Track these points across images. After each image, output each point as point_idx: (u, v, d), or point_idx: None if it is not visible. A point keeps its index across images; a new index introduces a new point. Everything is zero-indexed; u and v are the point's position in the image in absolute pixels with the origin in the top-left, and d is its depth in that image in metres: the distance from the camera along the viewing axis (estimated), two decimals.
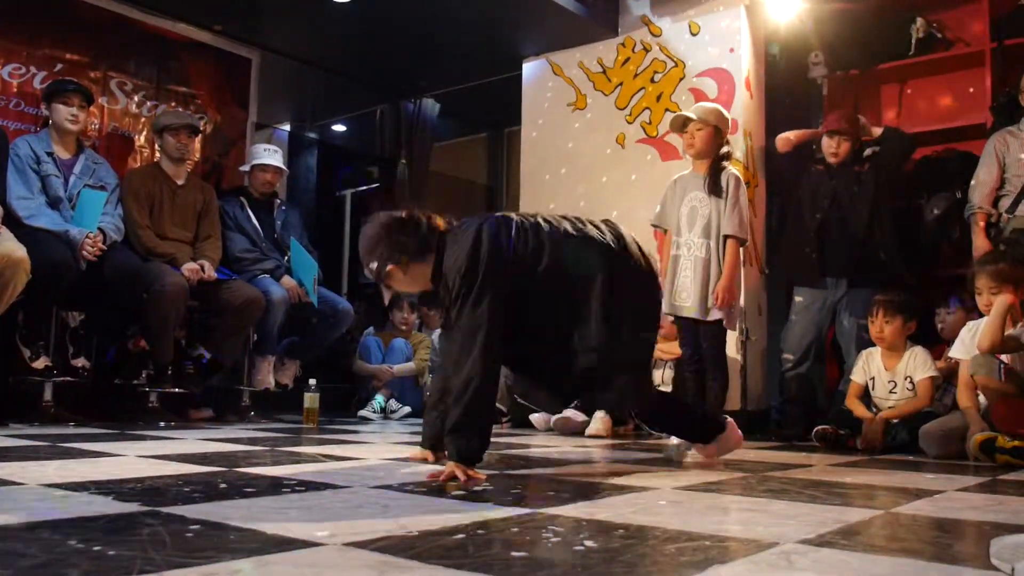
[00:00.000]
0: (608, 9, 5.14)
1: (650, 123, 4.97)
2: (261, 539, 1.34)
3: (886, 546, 1.46)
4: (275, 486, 1.97)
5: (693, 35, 4.88)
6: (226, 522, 1.47)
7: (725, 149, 3.84)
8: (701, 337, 3.80)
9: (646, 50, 5.04)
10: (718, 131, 3.80)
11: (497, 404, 4.65)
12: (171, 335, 4.23)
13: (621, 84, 5.12)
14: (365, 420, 5.03)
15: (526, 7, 4.92)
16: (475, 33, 5.25)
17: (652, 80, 5.00)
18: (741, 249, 3.82)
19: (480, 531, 1.46)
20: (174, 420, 4.19)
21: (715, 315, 3.72)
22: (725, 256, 3.72)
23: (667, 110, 4.91)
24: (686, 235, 3.81)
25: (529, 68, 5.53)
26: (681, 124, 3.87)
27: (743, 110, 4.70)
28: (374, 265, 2.49)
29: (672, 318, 3.93)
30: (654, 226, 4.05)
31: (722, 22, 4.80)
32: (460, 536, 1.41)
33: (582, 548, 1.34)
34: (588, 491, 2.03)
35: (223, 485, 1.96)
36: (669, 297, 3.79)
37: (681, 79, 4.89)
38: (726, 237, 3.73)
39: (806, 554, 1.33)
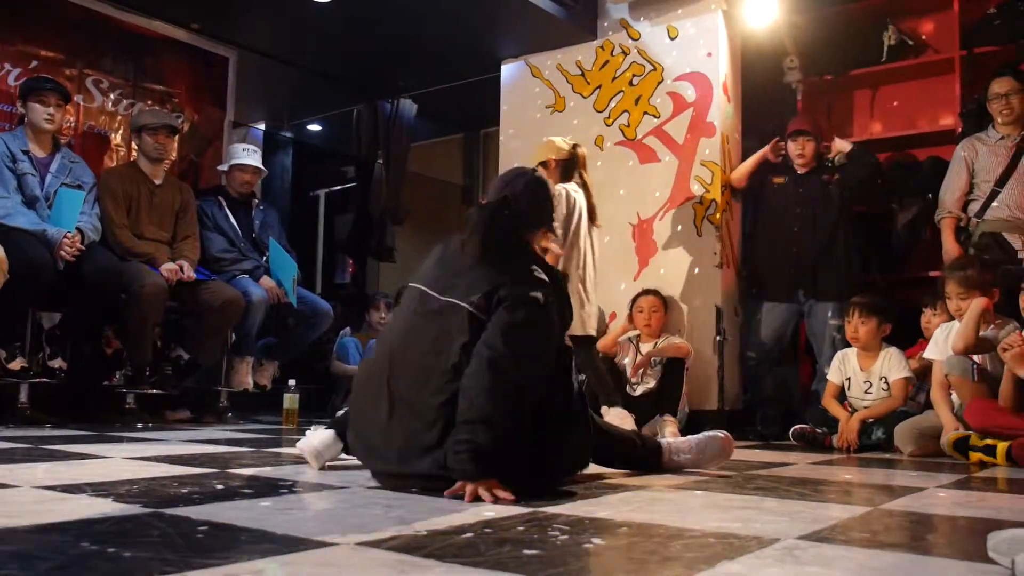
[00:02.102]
0: (587, 12, 5.16)
1: (628, 126, 5.00)
2: (273, 540, 1.34)
3: (883, 541, 1.48)
4: (272, 487, 1.98)
5: (671, 39, 4.92)
6: (233, 523, 1.47)
7: (567, 157, 4.02)
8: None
9: (625, 53, 5.08)
10: (545, 164, 4.02)
11: None
12: (149, 336, 4.20)
13: (600, 87, 5.15)
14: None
15: (505, 9, 4.92)
16: (454, 34, 5.24)
17: (631, 83, 5.04)
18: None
19: (487, 530, 1.47)
20: (151, 421, 4.16)
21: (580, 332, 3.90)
22: None
23: (645, 113, 4.95)
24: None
25: (507, 70, 5.55)
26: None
27: (720, 114, 4.75)
28: None
29: None
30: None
31: (700, 26, 4.84)
32: (469, 535, 1.42)
33: (591, 545, 1.37)
34: (582, 490, 2.05)
35: (219, 486, 1.96)
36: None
37: (659, 83, 4.93)
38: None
39: (807, 549, 1.36)
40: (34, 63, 4.65)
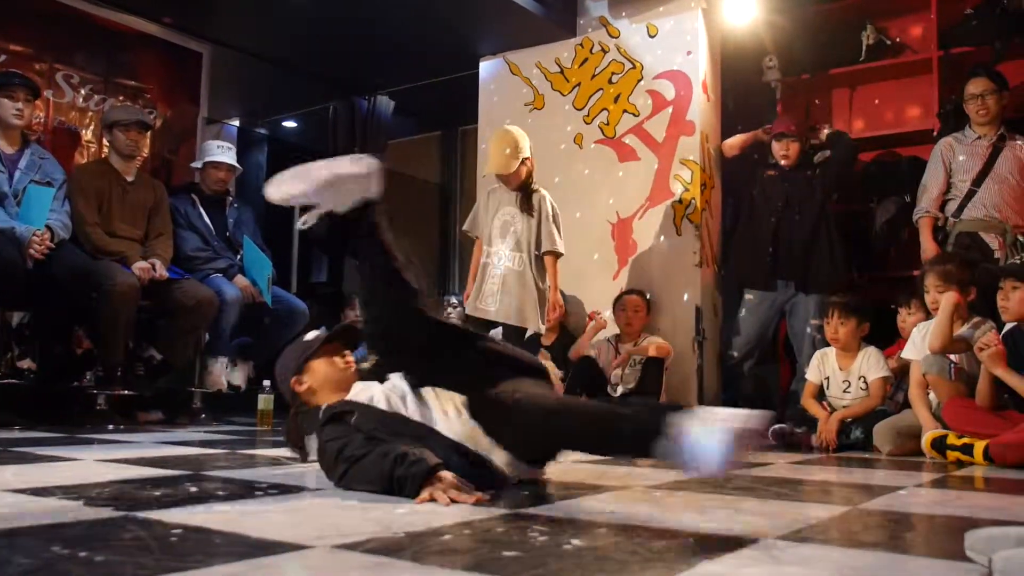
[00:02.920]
0: (566, 9, 5.14)
1: (608, 124, 4.99)
2: (248, 543, 1.33)
3: (862, 540, 1.48)
4: (248, 489, 1.95)
5: (651, 37, 4.91)
6: (207, 526, 1.45)
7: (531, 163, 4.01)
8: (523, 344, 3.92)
9: (604, 51, 5.06)
10: (523, 161, 3.99)
11: None
12: (121, 336, 4.12)
13: (579, 85, 5.13)
14: None
15: (483, 6, 4.88)
16: (432, 30, 5.20)
17: (610, 81, 5.02)
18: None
19: (466, 531, 1.46)
20: (123, 423, 4.08)
21: (533, 329, 3.89)
22: (548, 273, 3.94)
23: (625, 111, 4.94)
24: (497, 245, 3.98)
25: (486, 67, 5.51)
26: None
27: (700, 112, 4.75)
28: None
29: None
30: (464, 231, 4.23)
31: (679, 25, 4.83)
32: (447, 537, 1.40)
33: (571, 547, 1.35)
34: (561, 491, 2.03)
35: (193, 489, 1.93)
36: (474, 300, 3.97)
37: (639, 81, 4.91)
38: (546, 253, 3.93)
39: (787, 549, 1.36)
40: (2, 57, 4.56)
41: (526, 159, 3.98)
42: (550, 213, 3.97)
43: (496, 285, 3.93)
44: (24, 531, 1.39)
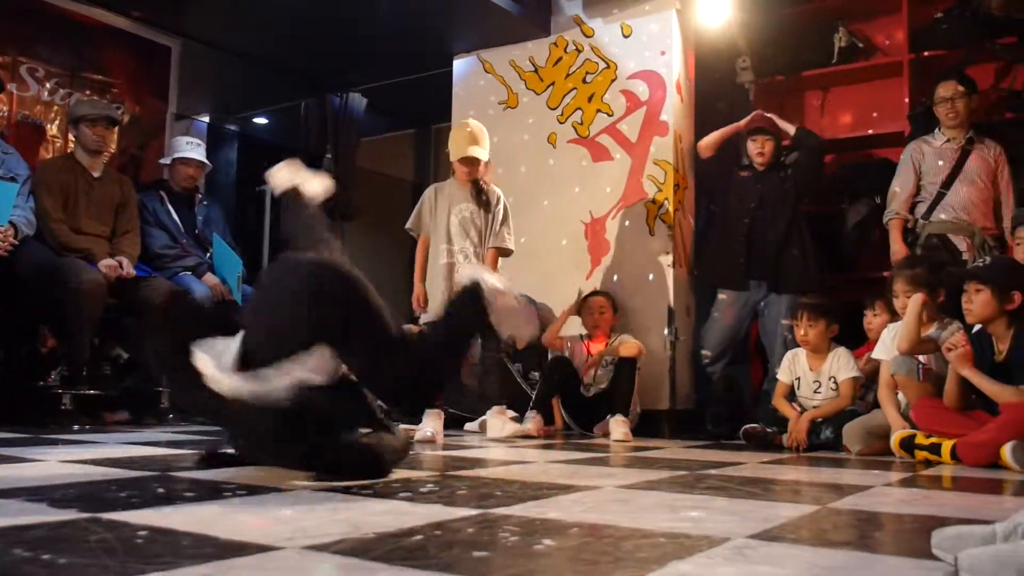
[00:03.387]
0: (540, 8, 5.12)
1: (582, 123, 4.98)
2: (216, 544, 1.30)
3: (831, 540, 1.49)
4: (215, 490, 1.91)
5: (625, 37, 4.91)
6: (174, 528, 1.43)
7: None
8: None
9: (578, 50, 5.05)
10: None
11: None
12: (87, 335, 4.06)
13: (553, 84, 5.12)
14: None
15: (457, 3, 4.86)
16: (405, 27, 5.17)
17: (584, 80, 5.01)
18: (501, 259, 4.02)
19: (436, 532, 1.45)
20: (89, 423, 4.02)
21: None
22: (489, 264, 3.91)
23: (599, 111, 4.93)
24: (460, 243, 3.94)
25: (460, 65, 5.48)
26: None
27: (673, 112, 4.75)
28: None
29: None
30: (408, 230, 4.16)
31: (654, 25, 4.83)
32: (418, 537, 1.39)
33: (542, 547, 1.35)
34: (534, 491, 2.03)
35: (161, 490, 1.91)
36: (441, 301, 3.86)
37: (613, 80, 4.91)
38: (493, 248, 3.93)
39: (757, 548, 1.36)
40: None
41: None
42: (504, 209, 3.97)
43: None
44: None
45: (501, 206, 3.98)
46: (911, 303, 3.36)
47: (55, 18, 4.87)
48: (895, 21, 5.03)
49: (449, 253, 3.95)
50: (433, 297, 3.94)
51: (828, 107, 5.33)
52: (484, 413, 4.24)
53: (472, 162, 3.95)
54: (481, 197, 3.95)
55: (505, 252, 3.99)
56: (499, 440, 3.75)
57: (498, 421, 3.92)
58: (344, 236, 6.25)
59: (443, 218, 3.99)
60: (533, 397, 4.25)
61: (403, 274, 7.29)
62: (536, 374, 4.53)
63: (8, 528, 1.41)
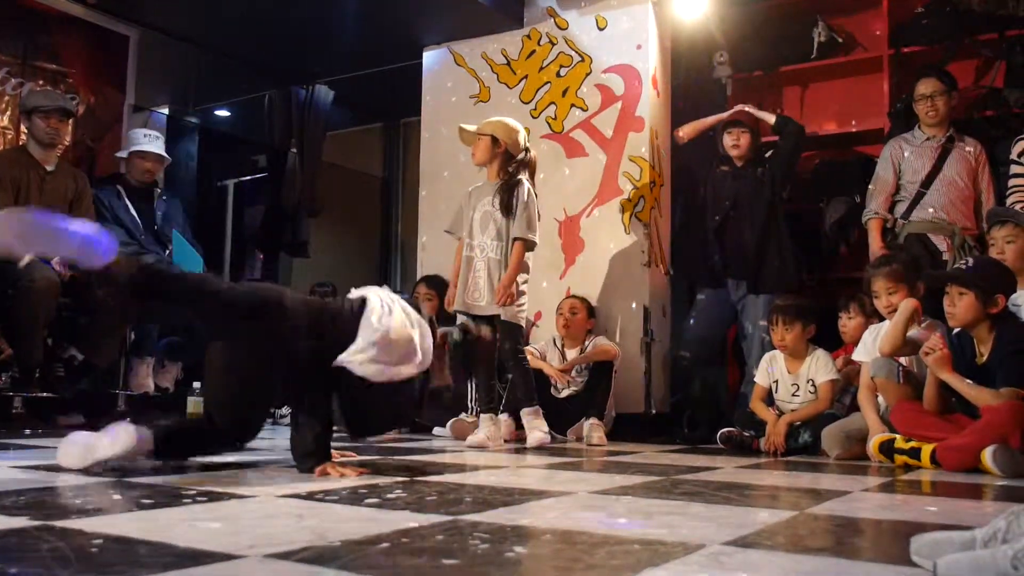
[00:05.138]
0: None
1: (555, 118, 4.87)
2: (174, 553, 1.27)
3: (808, 546, 1.49)
4: (174, 496, 1.87)
5: (600, 30, 4.80)
6: (131, 536, 1.39)
7: (521, 157, 3.85)
8: (500, 335, 3.82)
9: (552, 43, 4.94)
10: (495, 141, 3.82)
11: None
12: (39, 335, 3.95)
13: (526, 77, 5.00)
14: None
15: None
16: (373, 17, 5.05)
17: (558, 74, 4.90)
18: (530, 253, 3.86)
19: (404, 539, 1.42)
20: (41, 427, 3.90)
21: (504, 315, 3.77)
22: (511, 256, 3.80)
23: (573, 105, 4.83)
24: (479, 238, 3.85)
25: (430, 57, 5.35)
26: (470, 137, 3.92)
27: (649, 108, 4.66)
28: None
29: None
30: (447, 232, 4.08)
31: (629, 18, 4.74)
32: (385, 545, 1.37)
33: (513, 554, 1.33)
34: (505, 497, 2.01)
35: (116, 496, 1.88)
36: (462, 295, 3.85)
37: (588, 74, 4.81)
38: (514, 239, 3.78)
39: (733, 555, 1.35)
40: None
41: (506, 145, 3.82)
42: (525, 201, 3.79)
43: (482, 278, 3.81)
44: None
45: (520, 199, 3.79)
46: (902, 308, 3.30)
47: (7, 4, 4.69)
48: (875, 16, 4.96)
49: (469, 248, 3.88)
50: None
51: (807, 103, 5.26)
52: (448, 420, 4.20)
53: (469, 142, 3.90)
54: (506, 192, 3.80)
55: (524, 242, 3.79)
56: (477, 447, 3.62)
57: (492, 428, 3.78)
58: (310, 233, 6.11)
59: (468, 214, 3.92)
60: (503, 400, 4.13)
61: (369, 271, 7.19)
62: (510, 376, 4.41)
63: None
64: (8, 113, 4.67)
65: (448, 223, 4.08)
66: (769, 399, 3.91)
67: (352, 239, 7.24)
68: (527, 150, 3.89)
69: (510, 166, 3.84)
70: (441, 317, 4.86)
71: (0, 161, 4.22)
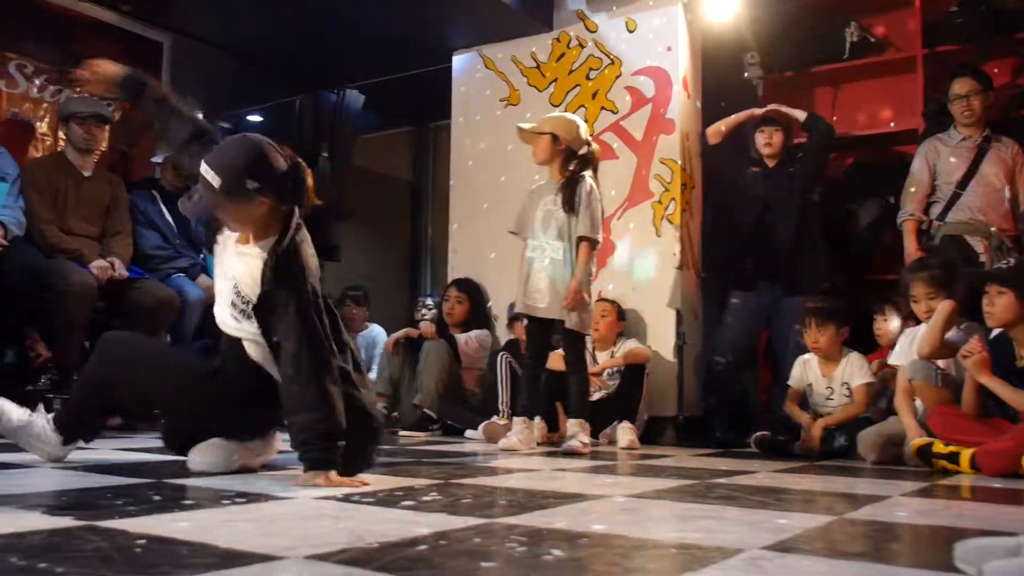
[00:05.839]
0: (542, 2, 5.02)
1: (586, 121, 4.85)
2: (217, 554, 1.28)
3: (847, 551, 1.47)
4: (214, 498, 1.89)
5: (630, 32, 4.79)
6: (173, 536, 1.40)
7: (584, 152, 3.78)
8: (563, 343, 3.75)
9: (581, 46, 4.93)
10: (555, 139, 3.74)
11: (428, 411, 4.53)
12: (76, 338, 3.97)
13: (556, 80, 5.00)
14: (285, 427, 4.80)
15: None
16: (403, 22, 5.05)
17: (588, 77, 4.90)
18: (594, 251, 3.77)
19: (442, 541, 1.42)
20: None
21: (568, 322, 3.66)
22: (577, 258, 3.69)
23: (603, 108, 4.82)
24: (541, 238, 3.76)
25: (459, 61, 5.37)
26: (529, 136, 3.85)
27: (680, 110, 4.64)
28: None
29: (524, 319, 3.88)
30: (512, 233, 3.97)
31: (659, 20, 4.72)
32: (422, 547, 1.37)
33: (551, 557, 1.32)
34: (540, 500, 2.00)
35: (157, 497, 1.89)
36: (522, 297, 3.76)
37: (618, 77, 4.80)
38: (579, 239, 3.68)
39: (773, 560, 1.34)
40: None
41: (567, 142, 3.73)
42: (588, 198, 3.68)
43: (543, 279, 3.70)
44: None
45: (582, 196, 3.68)
46: (939, 310, 3.26)
47: (45, 13, 4.75)
48: (908, 15, 4.89)
49: (531, 248, 3.78)
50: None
51: (839, 104, 5.20)
52: (479, 423, 4.21)
53: (527, 140, 3.83)
54: (568, 197, 3.70)
55: (590, 241, 3.68)
56: (509, 450, 3.59)
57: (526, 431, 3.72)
58: (340, 237, 6.14)
59: (530, 214, 3.82)
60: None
61: (399, 275, 7.21)
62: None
63: (3, 535, 1.38)
64: (47, 120, 4.74)
65: (512, 223, 3.94)
66: (803, 402, 3.89)
67: (382, 243, 7.26)
68: (588, 144, 3.80)
69: (572, 162, 3.76)
70: (473, 320, 4.90)
71: (39, 167, 4.27)
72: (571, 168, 3.75)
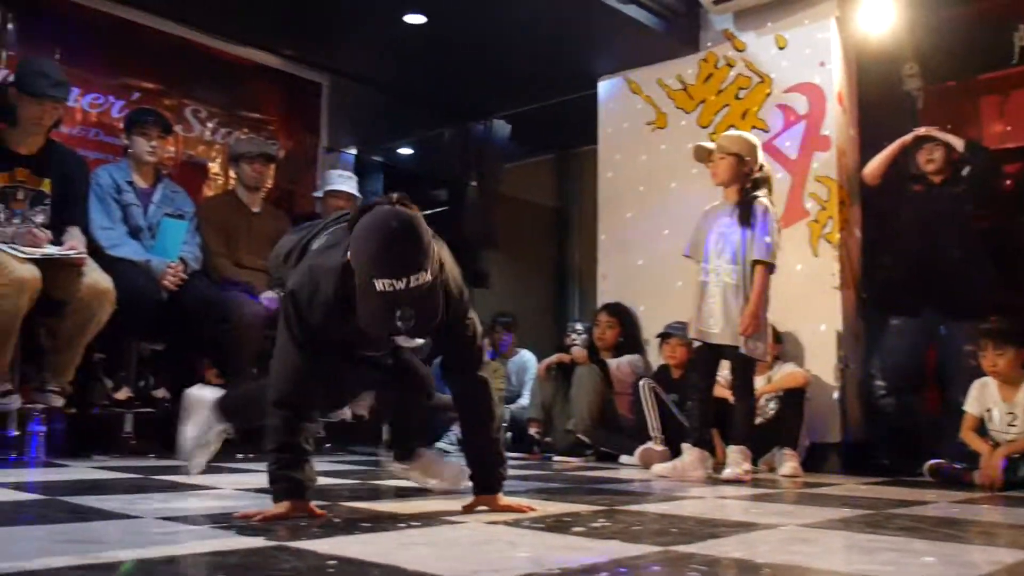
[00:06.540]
0: (688, 24, 4.98)
1: None
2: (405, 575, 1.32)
3: None
4: (391, 520, 1.96)
5: (780, 49, 4.70)
6: (361, 558, 1.45)
7: (758, 174, 3.68)
8: (735, 369, 3.65)
9: (730, 65, 4.87)
10: (740, 160, 3.66)
11: (582, 436, 4.53)
12: (249, 364, 4.15)
13: (703, 102, 4.95)
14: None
15: (600, 24, 4.76)
16: (548, 52, 5.12)
17: (737, 97, 4.82)
18: (771, 276, 3.62)
19: (620, 569, 1.42)
20: (251, 452, 4.10)
21: (742, 348, 3.53)
22: (754, 283, 3.55)
23: (754, 127, 4.72)
24: (714, 261, 3.66)
25: (605, 87, 5.39)
26: (707, 154, 3.77)
27: (835, 126, 4.50)
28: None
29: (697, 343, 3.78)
30: (686, 256, 3.86)
31: (812, 35, 4.61)
32: (604, 574, 1.37)
33: None
34: (710, 528, 1.98)
35: (336, 520, 1.95)
36: (696, 323, 3.67)
37: (768, 95, 4.71)
38: (755, 263, 3.56)
39: None
40: (135, 95, 4.71)
41: (745, 161, 3.67)
42: (765, 220, 3.59)
43: (717, 304, 3.62)
44: (187, 559, 1.44)
45: (758, 216, 3.59)
46: None
47: (214, 60, 5.10)
48: None
49: (704, 272, 3.70)
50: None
51: (1008, 112, 4.90)
52: (633, 448, 4.15)
53: (703, 159, 3.78)
54: (744, 214, 3.61)
55: (767, 266, 3.57)
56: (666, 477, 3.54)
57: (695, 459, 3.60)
58: (488, 264, 6.24)
59: (703, 237, 3.76)
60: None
61: (546, 301, 7.26)
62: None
63: (209, 553, 1.48)
64: (218, 160, 5.06)
65: (687, 246, 3.85)
66: (981, 429, 3.67)
67: (528, 270, 7.33)
68: (762, 166, 3.74)
69: (747, 183, 3.68)
70: (624, 345, 4.88)
71: (212, 205, 4.53)
72: (746, 188, 3.67)
